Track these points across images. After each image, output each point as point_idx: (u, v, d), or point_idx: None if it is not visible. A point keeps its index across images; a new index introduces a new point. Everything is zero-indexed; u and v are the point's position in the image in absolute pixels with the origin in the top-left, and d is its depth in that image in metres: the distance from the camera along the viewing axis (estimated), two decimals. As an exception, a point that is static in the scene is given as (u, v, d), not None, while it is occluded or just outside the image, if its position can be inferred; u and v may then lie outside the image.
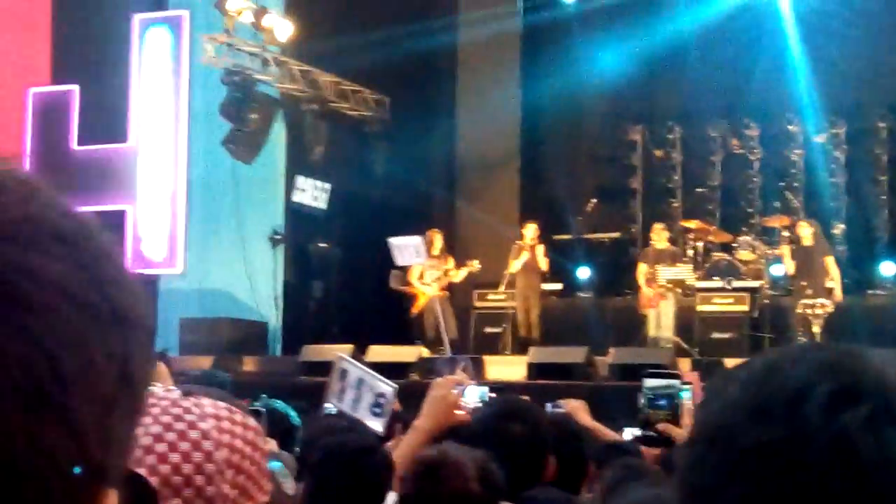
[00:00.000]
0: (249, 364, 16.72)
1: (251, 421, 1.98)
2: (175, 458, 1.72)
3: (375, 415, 5.65)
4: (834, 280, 15.92)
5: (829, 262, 15.98)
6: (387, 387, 5.85)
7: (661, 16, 18.91)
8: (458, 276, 17.23)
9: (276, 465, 3.26)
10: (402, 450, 4.05)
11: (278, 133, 18.38)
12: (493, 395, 6.10)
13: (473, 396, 5.39)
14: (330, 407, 7.54)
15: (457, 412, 4.17)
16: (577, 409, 6.91)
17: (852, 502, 1.17)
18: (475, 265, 17.21)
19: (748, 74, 19.21)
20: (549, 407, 7.81)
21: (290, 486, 4.14)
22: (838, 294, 15.86)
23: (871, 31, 18.50)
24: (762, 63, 19.00)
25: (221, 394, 1.91)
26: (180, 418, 1.75)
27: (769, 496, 1.18)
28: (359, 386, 5.88)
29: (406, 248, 15.78)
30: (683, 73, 19.53)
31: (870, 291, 17.49)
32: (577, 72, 19.51)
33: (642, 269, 16.68)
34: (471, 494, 3.23)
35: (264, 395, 6.42)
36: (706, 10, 18.80)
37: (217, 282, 17.77)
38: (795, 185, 19.24)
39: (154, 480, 1.68)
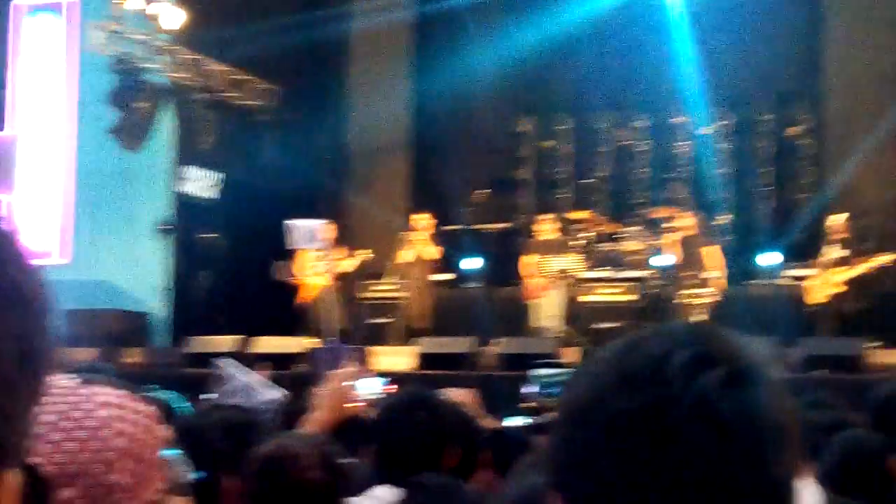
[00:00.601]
0: (135, 355, 16.53)
1: (148, 408, 1.97)
2: (71, 446, 1.71)
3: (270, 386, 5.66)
4: (718, 270, 16.20)
5: (713, 252, 16.26)
6: (275, 393, 5.82)
7: (552, 8, 19.03)
8: (349, 265, 17.21)
9: (172, 452, 3.25)
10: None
11: (167, 122, 18.15)
12: (393, 385, 6.12)
13: (369, 388, 5.40)
14: (211, 396, 7.49)
15: (351, 404, 4.18)
16: (463, 400, 6.97)
17: (716, 459, 1.21)
18: (367, 255, 17.21)
19: (637, 66, 19.45)
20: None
21: (186, 474, 4.11)
22: (723, 283, 16.14)
23: (757, 24, 18.83)
24: (651, 55, 19.24)
25: (118, 382, 1.91)
26: (77, 406, 1.74)
27: (639, 462, 1.22)
28: (245, 392, 5.85)
29: (303, 231, 15.68)
30: (573, 65, 19.71)
31: (753, 282, 17.81)
32: (469, 63, 19.56)
33: (527, 260, 16.82)
34: (312, 483, 3.21)
35: (155, 386, 6.37)
36: (596, 3, 18.97)
37: (103, 273, 17.52)
38: (682, 176, 19.53)
39: (50, 469, 1.67)
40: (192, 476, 4.09)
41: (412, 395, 4.29)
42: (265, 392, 5.67)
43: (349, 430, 4.01)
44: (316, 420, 4.19)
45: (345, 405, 4.15)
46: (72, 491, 1.70)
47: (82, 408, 1.74)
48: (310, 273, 17.07)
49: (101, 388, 1.80)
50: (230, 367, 6.06)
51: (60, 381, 1.77)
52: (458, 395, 7.08)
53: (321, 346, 15.51)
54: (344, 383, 4.29)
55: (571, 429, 1.29)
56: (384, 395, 4.97)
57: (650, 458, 1.22)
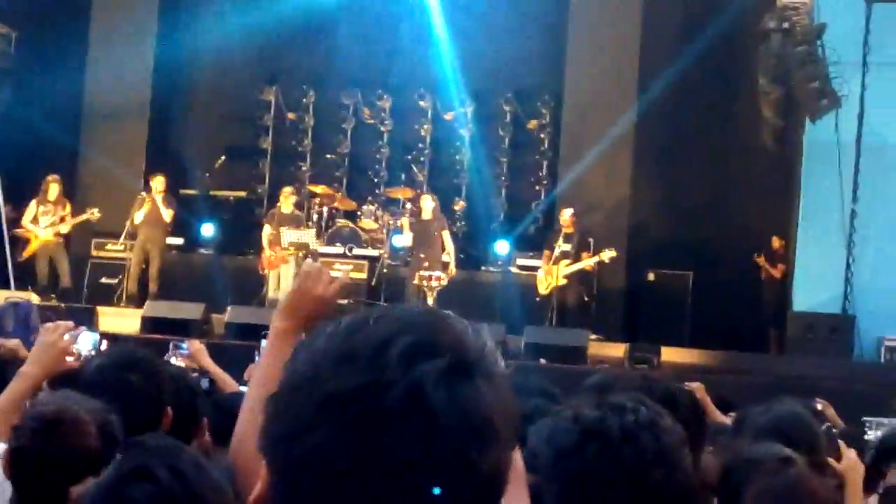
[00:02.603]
0: None
1: None
2: None
3: None
4: (449, 254, 16.49)
5: (446, 236, 16.54)
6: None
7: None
8: (73, 222, 16.77)
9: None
10: (6, 396, 3.90)
11: None
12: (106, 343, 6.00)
13: (86, 343, 5.27)
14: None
15: (67, 359, 4.07)
16: (199, 352, 6.95)
17: (423, 448, 1.23)
18: (94, 213, 16.78)
19: (387, 47, 19.54)
20: (172, 347, 7.81)
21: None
22: (452, 268, 16.44)
23: (509, 17, 19.19)
24: (402, 37, 19.37)
25: None
26: None
27: (347, 440, 1.23)
28: None
29: None
30: (323, 39, 19.65)
31: (483, 268, 18.20)
32: (216, 26, 19.25)
33: (266, 231, 16.73)
34: (90, 450, 3.15)
35: None
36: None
37: None
38: (421, 159, 19.77)
39: None
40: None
41: (125, 354, 4.19)
42: None
43: (61, 385, 3.88)
44: (26, 373, 4.06)
45: (60, 360, 4.03)
46: None
47: None
48: (35, 227, 16.54)
49: None
50: None
51: None
52: (194, 348, 7.06)
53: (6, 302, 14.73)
54: (60, 338, 4.17)
55: (285, 402, 1.28)
56: (96, 353, 4.88)
57: (357, 439, 1.22)
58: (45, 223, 16.58)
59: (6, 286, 15.94)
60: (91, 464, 3.10)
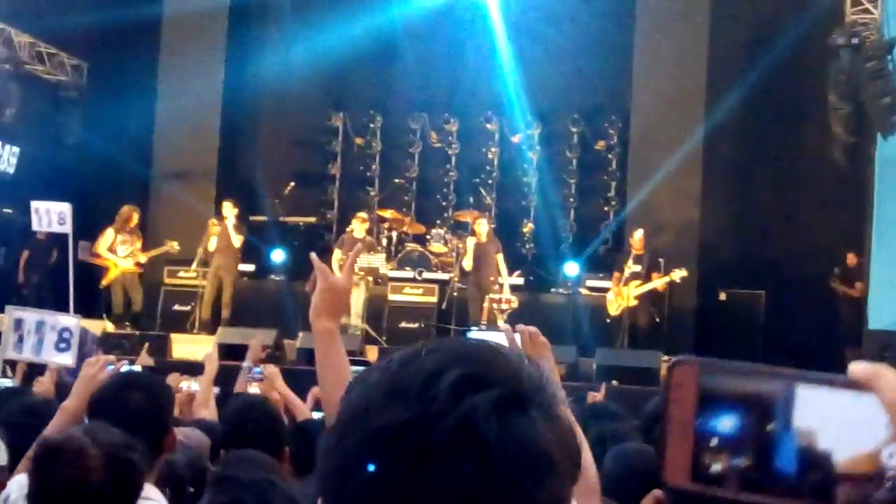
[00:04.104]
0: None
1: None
2: None
3: (61, 350, 5.55)
4: (503, 277, 16.45)
5: (500, 259, 16.50)
6: (69, 319, 5.76)
7: (372, 4, 19.05)
8: (152, 254, 16.93)
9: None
10: (48, 431, 3.91)
11: (-34, 91, 17.51)
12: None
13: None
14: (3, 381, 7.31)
15: None
16: (273, 376, 7.00)
17: (475, 483, 1.21)
18: (174, 246, 16.89)
19: (453, 70, 19.61)
20: (244, 370, 7.88)
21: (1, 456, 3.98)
22: (507, 292, 16.38)
23: (573, 38, 19.18)
24: (468, 60, 19.43)
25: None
26: None
27: (398, 474, 1.21)
28: (39, 328, 5.75)
29: (48, 215, 15.24)
30: (389, 64, 19.76)
31: (553, 290, 18.14)
32: (283, 54, 19.44)
33: (337, 256, 16.78)
34: (92, 483, 3.08)
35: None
36: (418, 3, 19.06)
37: None
38: (489, 182, 19.77)
39: None
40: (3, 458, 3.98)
41: (126, 375, 4.22)
42: (61, 320, 5.60)
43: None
44: (65, 407, 4.13)
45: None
46: None
47: None
48: (114, 256, 16.72)
49: None
50: (16, 311, 5.93)
51: None
52: (268, 371, 7.14)
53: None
54: (100, 371, 4.22)
55: (339, 436, 1.28)
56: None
57: (409, 474, 1.21)
58: (122, 252, 16.75)
59: (86, 313, 16.09)
60: (95, 496, 3.07)
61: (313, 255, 3.15)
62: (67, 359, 4.96)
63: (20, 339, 5.73)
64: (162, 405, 3.96)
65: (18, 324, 5.73)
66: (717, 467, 1.26)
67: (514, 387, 1.27)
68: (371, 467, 1.23)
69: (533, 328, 3.28)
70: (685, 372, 1.31)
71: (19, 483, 3.29)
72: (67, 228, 15.29)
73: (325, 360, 2.84)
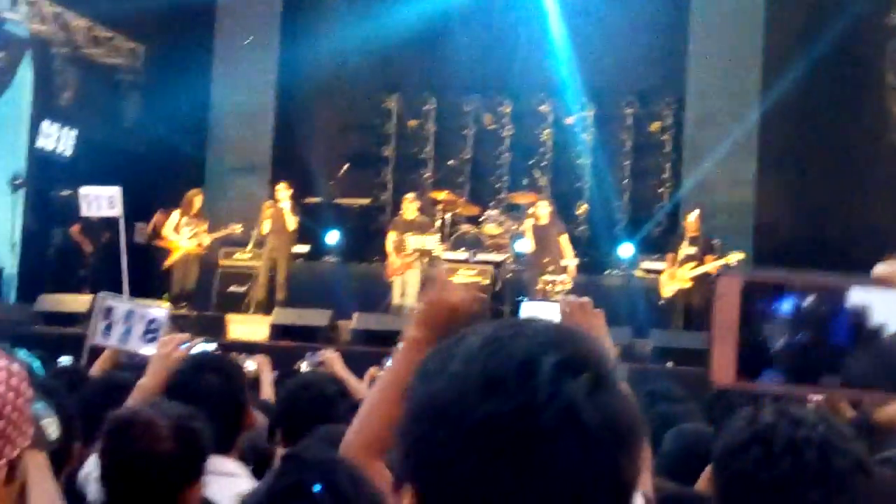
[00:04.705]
0: (-18, 312, 16.11)
1: (15, 367, 1.94)
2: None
3: (149, 341, 5.66)
4: (567, 258, 16.40)
5: (564, 240, 16.45)
6: (158, 311, 5.87)
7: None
8: (215, 236, 17.05)
9: (39, 406, 3.20)
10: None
11: (25, 75, 17.68)
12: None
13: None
14: (64, 360, 7.40)
15: None
16: (332, 360, 7.06)
17: (579, 465, 1.25)
18: (237, 228, 17.00)
19: (506, 52, 19.58)
20: (307, 356, 7.95)
21: (53, 430, 4.03)
22: (572, 271, 16.35)
23: (627, 18, 19.09)
24: (521, 41, 19.39)
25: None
26: None
27: (503, 464, 1.24)
28: (128, 318, 5.87)
29: (98, 200, 15.36)
30: (443, 46, 19.74)
31: (607, 271, 18.09)
32: (337, 36, 19.45)
33: (391, 237, 16.81)
34: (162, 454, 3.15)
35: (7, 344, 6.24)
36: (470, -16, 19.05)
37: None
38: (543, 163, 19.76)
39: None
40: (56, 434, 4.04)
41: (200, 357, 4.27)
42: (149, 312, 5.69)
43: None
44: (142, 385, 4.18)
45: (172, 372, 4.14)
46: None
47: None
48: (177, 238, 16.85)
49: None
50: (109, 300, 6.03)
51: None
52: (326, 356, 7.21)
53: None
54: (174, 350, 4.27)
55: (429, 427, 1.29)
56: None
57: (515, 461, 1.24)
58: (186, 235, 16.88)
59: (145, 295, 16.23)
60: (166, 466, 3.14)
61: (441, 269, 3.11)
62: (153, 350, 5.05)
63: (108, 328, 5.84)
64: (237, 384, 4.03)
65: (108, 312, 5.84)
66: (779, 344, 1.35)
67: (602, 368, 1.31)
68: (472, 459, 1.25)
69: (585, 298, 3.25)
70: (729, 283, 1.41)
71: (97, 460, 3.36)
72: (117, 212, 15.40)
73: (403, 366, 2.46)
